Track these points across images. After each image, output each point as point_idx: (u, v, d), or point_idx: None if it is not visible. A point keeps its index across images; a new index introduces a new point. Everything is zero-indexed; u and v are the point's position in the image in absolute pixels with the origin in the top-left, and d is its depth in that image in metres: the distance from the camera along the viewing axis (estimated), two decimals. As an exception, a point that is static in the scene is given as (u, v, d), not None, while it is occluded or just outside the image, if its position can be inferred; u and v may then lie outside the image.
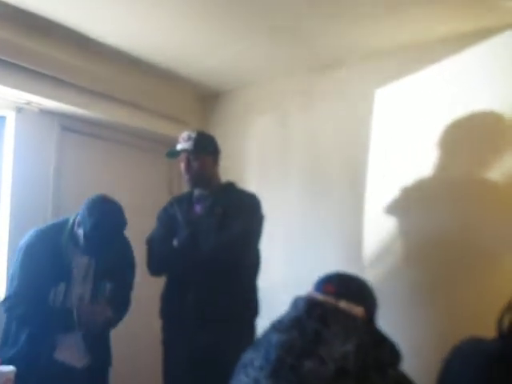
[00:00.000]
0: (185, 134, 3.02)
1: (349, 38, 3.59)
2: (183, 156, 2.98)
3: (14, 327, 2.69)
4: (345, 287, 1.83)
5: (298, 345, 1.61)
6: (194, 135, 3.00)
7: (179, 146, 2.99)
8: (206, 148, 2.99)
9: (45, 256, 2.67)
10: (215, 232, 2.81)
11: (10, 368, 1.85)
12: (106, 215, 2.64)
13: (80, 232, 2.68)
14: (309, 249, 3.92)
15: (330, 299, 1.76)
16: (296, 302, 1.77)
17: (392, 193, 3.63)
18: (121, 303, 2.89)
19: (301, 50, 3.75)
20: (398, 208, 3.59)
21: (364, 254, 3.68)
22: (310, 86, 4.11)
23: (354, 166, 3.83)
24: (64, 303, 2.68)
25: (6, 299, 2.72)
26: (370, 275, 3.34)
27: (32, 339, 2.63)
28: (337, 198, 3.87)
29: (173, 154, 3.04)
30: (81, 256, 2.75)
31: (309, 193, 4.03)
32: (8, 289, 2.72)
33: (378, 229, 3.64)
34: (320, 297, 1.78)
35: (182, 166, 3.00)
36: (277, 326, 1.73)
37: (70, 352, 2.71)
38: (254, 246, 2.90)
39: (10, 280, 2.72)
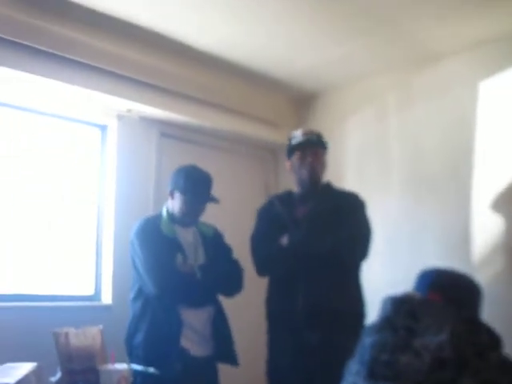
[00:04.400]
0: (303, 130, 2.98)
1: (448, 29, 3.45)
2: (308, 151, 2.92)
3: (140, 310, 2.81)
4: (451, 294, 1.77)
5: (390, 342, 1.60)
6: (316, 132, 2.99)
7: (303, 139, 2.94)
8: (327, 145, 2.99)
9: (156, 235, 2.85)
10: (327, 231, 2.76)
11: (124, 366, 1.88)
12: (191, 166, 2.98)
13: (175, 202, 2.91)
14: (410, 249, 3.81)
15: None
16: (384, 302, 1.75)
17: (499, 190, 3.46)
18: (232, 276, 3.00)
19: (398, 44, 3.65)
20: (506, 205, 3.42)
21: (471, 255, 3.52)
22: (409, 82, 4.00)
23: (458, 163, 3.67)
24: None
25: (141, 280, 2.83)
26: (478, 274, 3.23)
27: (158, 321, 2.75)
28: (440, 196, 3.73)
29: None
30: (185, 229, 2.94)
31: (410, 192, 3.91)
32: (145, 270, 2.80)
33: (486, 228, 3.48)
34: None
35: (305, 160, 2.90)
36: (368, 330, 1.72)
37: (195, 340, 2.82)
38: (369, 245, 2.85)
39: (142, 263, 2.80)
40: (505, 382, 1.48)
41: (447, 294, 1.78)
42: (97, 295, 3.63)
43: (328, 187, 3.00)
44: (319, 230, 2.77)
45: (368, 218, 2.88)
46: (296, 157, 2.95)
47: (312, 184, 2.93)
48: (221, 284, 2.95)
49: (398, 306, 1.68)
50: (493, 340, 1.59)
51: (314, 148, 2.93)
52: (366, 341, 1.67)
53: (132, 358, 2.79)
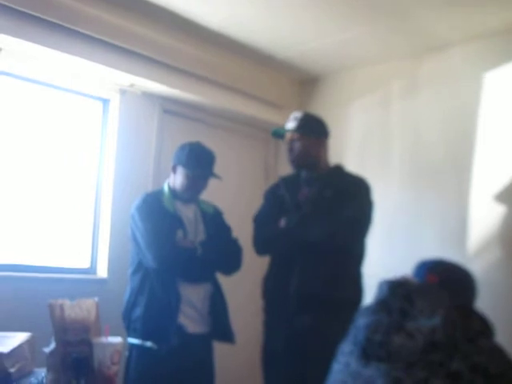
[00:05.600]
0: (292, 115, 2.99)
1: (454, 19, 3.43)
2: (288, 136, 2.96)
3: (139, 284, 2.83)
4: (447, 280, 1.83)
5: (384, 323, 1.62)
6: (299, 115, 2.97)
7: (285, 127, 2.98)
8: (310, 129, 2.94)
9: (157, 209, 2.87)
10: (325, 215, 2.76)
11: (119, 339, 1.88)
12: (195, 143, 2.99)
13: (177, 177, 2.93)
14: (410, 237, 3.82)
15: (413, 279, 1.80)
16: (380, 285, 1.77)
17: (498, 181, 3.46)
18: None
19: (404, 32, 3.64)
20: (504, 197, 3.42)
21: (469, 244, 3.53)
22: (414, 70, 3.98)
23: (460, 152, 3.67)
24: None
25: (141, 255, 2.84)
26: (475, 265, 3.24)
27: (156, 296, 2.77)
28: (439, 186, 3.73)
29: (277, 133, 3.02)
30: (186, 206, 2.96)
31: (411, 180, 3.91)
32: (145, 244, 2.81)
33: (484, 218, 3.48)
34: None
35: (287, 145, 2.97)
36: (363, 312, 1.74)
37: (192, 317, 2.85)
38: (365, 231, 2.83)
39: (143, 236, 2.81)
40: (493, 367, 1.50)
41: (444, 279, 1.82)
42: (93, 268, 3.64)
43: (336, 170, 2.98)
44: (318, 214, 2.77)
45: (371, 202, 2.86)
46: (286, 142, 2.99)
47: (294, 168, 2.96)
48: (220, 261, 2.97)
49: (394, 289, 1.70)
50: (485, 327, 1.61)
51: (291, 133, 2.94)
52: (360, 322, 1.69)
53: (130, 331, 2.82)
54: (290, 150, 2.94)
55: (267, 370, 2.87)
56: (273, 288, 2.90)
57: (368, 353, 1.59)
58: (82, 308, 1.97)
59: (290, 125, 2.95)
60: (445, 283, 1.80)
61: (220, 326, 2.96)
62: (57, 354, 1.88)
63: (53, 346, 1.90)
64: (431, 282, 1.82)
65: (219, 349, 3.06)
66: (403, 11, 3.35)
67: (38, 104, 3.49)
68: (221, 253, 2.96)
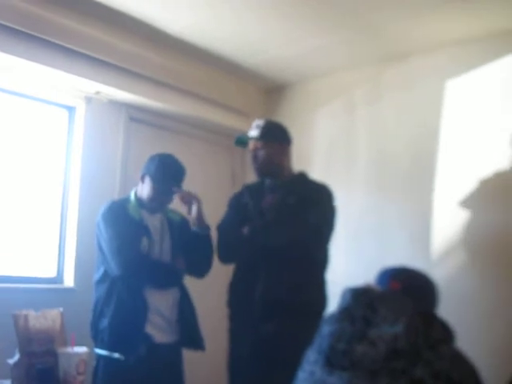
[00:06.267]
0: (254, 123, 3.02)
1: (417, 29, 3.51)
2: (251, 144, 2.98)
3: (105, 294, 2.80)
4: (409, 284, 1.86)
5: (347, 331, 1.62)
6: (261, 123, 2.99)
7: (248, 135, 3.00)
8: (273, 136, 2.96)
9: (122, 217, 2.86)
10: (288, 222, 2.78)
11: (84, 349, 1.88)
12: (167, 155, 3.00)
13: (144, 187, 2.93)
14: (374, 243, 3.86)
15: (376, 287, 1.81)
16: (343, 293, 1.78)
17: (462, 187, 3.53)
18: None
19: (369, 40, 3.69)
20: (468, 203, 3.49)
21: (432, 250, 3.59)
22: (378, 78, 4.04)
23: (423, 159, 3.73)
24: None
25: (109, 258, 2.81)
26: (439, 270, 3.31)
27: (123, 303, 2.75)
28: (404, 192, 3.79)
29: (240, 141, 3.04)
30: (152, 215, 2.95)
31: (375, 186, 3.96)
32: (109, 251, 2.79)
33: (448, 223, 3.55)
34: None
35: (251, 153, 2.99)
36: (327, 320, 1.74)
37: (160, 326, 2.84)
38: (327, 237, 2.85)
39: (107, 244, 2.80)
40: (455, 374, 1.52)
41: (406, 286, 1.84)
42: (59, 277, 3.60)
43: (299, 178, 3.01)
44: (281, 221, 2.79)
45: (333, 209, 2.88)
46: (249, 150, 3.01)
47: (259, 176, 2.98)
48: (192, 263, 2.99)
49: (357, 297, 1.71)
50: (446, 333, 1.63)
51: (255, 141, 2.96)
52: (325, 330, 1.70)
53: (97, 342, 2.79)
54: (254, 158, 2.96)
55: (233, 377, 2.88)
56: (238, 294, 2.91)
57: (332, 361, 1.60)
58: (46, 318, 1.97)
59: (253, 133, 2.97)
60: (407, 290, 1.82)
61: (189, 334, 2.96)
62: (21, 365, 1.87)
63: (17, 357, 1.89)
64: (394, 288, 1.84)
65: (188, 355, 3.05)
66: (367, 20, 3.41)
67: (2, 112, 3.45)
68: (193, 254, 2.96)
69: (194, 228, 3.00)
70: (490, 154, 3.45)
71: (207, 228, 3.02)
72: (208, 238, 3.02)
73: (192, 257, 2.98)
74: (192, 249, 2.99)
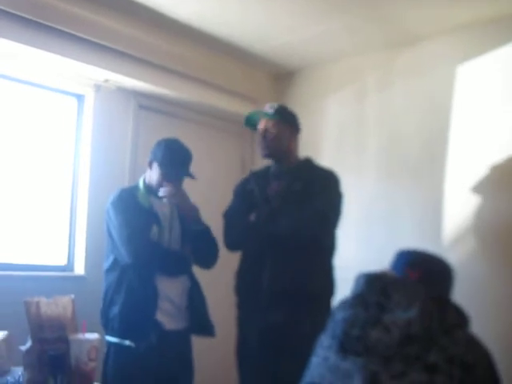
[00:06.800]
0: (268, 104, 3.01)
1: (428, 14, 3.47)
2: (262, 123, 2.95)
3: (115, 282, 2.81)
4: (428, 274, 1.84)
5: (361, 317, 1.63)
6: (275, 105, 2.99)
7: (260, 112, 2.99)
8: (286, 118, 2.96)
9: (132, 205, 2.86)
10: (294, 209, 2.77)
11: (95, 335, 1.88)
12: (173, 140, 2.97)
13: (153, 173, 2.90)
14: (384, 230, 3.85)
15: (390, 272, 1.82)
16: (357, 279, 1.78)
17: (473, 174, 3.50)
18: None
19: (379, 25, 3.65)
20: (478, 189, 3.47)
21: (443, 235, 3.58)
22: (388, 63, 4.00)
23: (434, 144, 3.71)
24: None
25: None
26: (450, 256, 3.28)
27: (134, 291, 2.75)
28: (415, 178, 3.77)
29: (250, 119, 3.01)
30: (161, 202, 2.91)
31: (385, 172, 3.94)
32: (120, 239, 2.79)
33: (460, 209, 3.53)
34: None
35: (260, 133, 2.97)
36: (341, 306, 1.74)
37: (170, 313, 2.84)
38: (333, 223, 2.84)
39: (117, 232, 2.80)
40: (469, 357, 1.52)
41: (424, 272, 1.83)
42: (70, 265, 3.62)
43: (305, 163, 3.00)
44: (287, 207, 2.78)
45: (340, 195, 2.88)
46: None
47: (265, 156, 2.97)
48: (197, 255, 2.98)
49: (371, 283, 1.71)
50: (460, 318, 1.63)
51: (267, 118, 2.94)
52: (338, 316, 1.69)
53: (107, 329, 2.80)
54: (263, 137, 2.94)
55: (242, 365, 2.89)
56: (245, 282, 2.91)
57: (346, 347, 1.60)
58: (58, 305, 1.97)
59: (267, 110, 2.95)
60: (425, 276, 1.81)
61: (199, 320, 2.96)
62: (33, 351, 1.87)
63: (29, 343, 1.89)
64: (412, 278, 1.82)
65: (197, 343, 3.06)
66: (377, 4, 3.37)
67: (11, 101, 3.45)
68: (198, 247, 2.96)
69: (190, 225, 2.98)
70: (501, 140, 3.42)
71: (200, 223, 2.98)
72: (205, 232, 3.00)
73: (198, 247, 2.98)
74: (196, 240, 2.99)
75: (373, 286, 1.70)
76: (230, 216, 2.98)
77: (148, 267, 2.79)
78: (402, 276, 1.82)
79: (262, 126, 2.95)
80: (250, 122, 3.03)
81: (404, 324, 1.55)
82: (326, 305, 2.78)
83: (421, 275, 1.82)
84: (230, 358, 3.06)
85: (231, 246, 2.98)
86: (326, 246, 2.87)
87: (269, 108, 2.97)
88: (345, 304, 1.73)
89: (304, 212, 2.73)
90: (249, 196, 2.94)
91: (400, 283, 1.71)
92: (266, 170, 3.02)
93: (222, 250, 3.06)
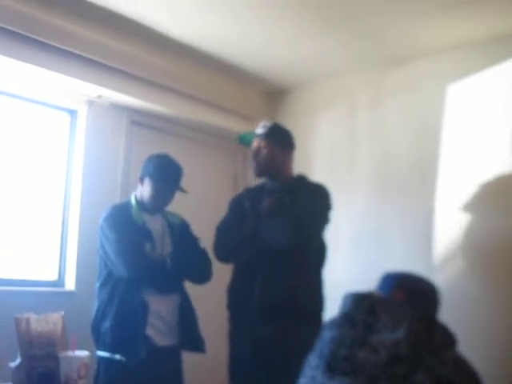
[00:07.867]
0: (261, 123, 3.04)
1: (419, 33, 3.51)
2: (255, 142, 2.99)
3: (107, 297, 2.81)
4: (414, 294, 1.86)
5: (348, 337, 1.62)
6: (268, 124, 3.02)
7: (253, 132, 3.02)
8: (278, 138, 2.98)
9: (126, 220, 2.89)
10: (280, 220, 2.78)
11: (85, 353, 1.88)
12: (164, 155, 3.03)
13: (144, 188, 2.94)
14: (375, 246, 3.86)
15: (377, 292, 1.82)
16: (344, 298, 1.78)
17: (463, 192, 3.52)
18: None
19: (371, 43, 3.69)
20: (468, 207, 3.49)
21: (433, 253, 3.59)
22: (380, 82, 4.04)
23: (425, 162, 3.73)
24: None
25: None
26: (438, 276, 3.30)
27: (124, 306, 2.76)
28: (406, 196, 3.79)
29: (244, 138, 3.06)
30: (153, 218, 2.97)
31: (377, 189, 3.96)
32: (116, 254, 2.80)
33: (450, 227, 3.54)
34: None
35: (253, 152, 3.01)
36: (328, 325, 1.74)
37: (161, 330, 2.85)
38: (313, 232, 2.86)
39: (113, 246, 2.80)
40: (457, 379, 1.52)
41: (410, 293, 1.85)
42: (60, 281, 3.60)
43: (299, 180, 3.02)
44: (273, 220, 2.80)
45: (326, 206, 2.90)
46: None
47: (257, 175, 3.01)
48: (190, 271, 3.00)
49: (359, 303, 1.71)
50: (448, 338, 1.63)
51: (259, 139, 2.98)
52: (326, 335, 1.69)
53: (99, 344, 2.80)
54: (256, 156, 2.98)
55: (233, 380, 2.88)
56: (236, 297, 2.92)
57: (333, 367, 1.59)
58: (48, 322, 1.97)
59: (259, 131, 2.99)
60: (411, 297, 1.83)
61: (189, 336, 2.97)
62: (22, 368, 1.87)
63: (18, 360, 1.89)
64: (398, 299, 1.84)
65: (188, 359, 3.05)
66: (369, 25, 3.42)
67: (4, 115, 3.45)
68: (190, 263, 2.97)
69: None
70: (491, 158, 3.45)
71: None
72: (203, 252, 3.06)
73: (191, 261, 2.99)
74: (192, 253, 3.01)
75: (360, 305, 1.70)
76: (221, 230, 3.01)
77: (142, 282, 2.80)
78: (389, 297, 1.83)
79: (254, 145, 2.99)
80: (244, 141, 3.08)
81: (391, 344, 1.55)
82: (315, 320, 2.78)
83: (407, 296, 1.84)
84: (221, 374, 3.05)
85: (220, 258, 3.01)
86: (314, 260, 2.89)
87: (261, 128, 3.01)
88: (332, 323, 1.73)
89: (285, 221, 2.75)
90: (241, 211, 2.96)
91: (387, 303, 1.71)
92: (261, 186, 3.05)
93: (215, 265, 3.07)
